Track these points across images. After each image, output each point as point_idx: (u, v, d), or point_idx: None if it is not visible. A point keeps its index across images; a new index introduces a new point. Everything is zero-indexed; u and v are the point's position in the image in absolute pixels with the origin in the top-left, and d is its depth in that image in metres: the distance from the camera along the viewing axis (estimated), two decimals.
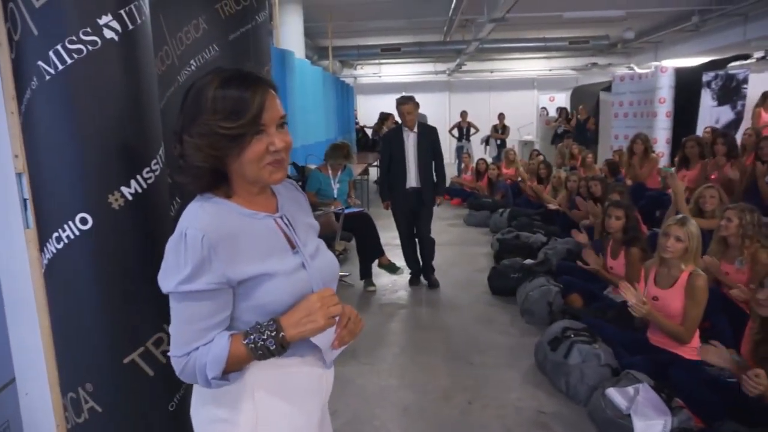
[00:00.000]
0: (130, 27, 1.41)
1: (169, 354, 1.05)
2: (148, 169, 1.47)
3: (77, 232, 1.38)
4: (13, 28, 1.34)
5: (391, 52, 12.23)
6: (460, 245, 6.10)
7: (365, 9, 9.47)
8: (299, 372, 1.13)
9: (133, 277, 1.43)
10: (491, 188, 8.03)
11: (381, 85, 15.77)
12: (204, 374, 1.00)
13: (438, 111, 14.13)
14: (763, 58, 11.40)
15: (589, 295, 3.67)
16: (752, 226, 3.05)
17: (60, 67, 1.33)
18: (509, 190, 7.63)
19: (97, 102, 1.37)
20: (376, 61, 14.84)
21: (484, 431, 2.58)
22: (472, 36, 10.13)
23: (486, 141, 11.72)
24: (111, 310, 1.42)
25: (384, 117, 10.73)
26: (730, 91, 8.15)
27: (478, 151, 11.55)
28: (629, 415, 2.34)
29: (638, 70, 12.67)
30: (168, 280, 1.01)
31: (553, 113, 12.71)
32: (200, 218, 1.02)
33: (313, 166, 5.29)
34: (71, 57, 1.32)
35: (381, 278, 4.79)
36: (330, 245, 4.03)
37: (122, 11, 1.39)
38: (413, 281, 4.73)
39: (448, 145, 12.31)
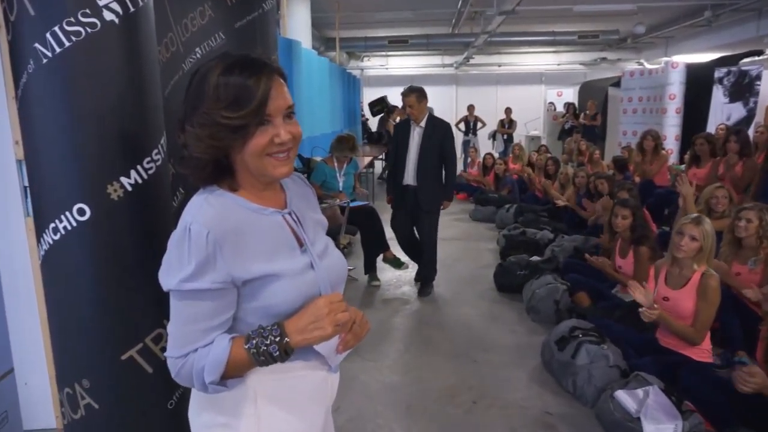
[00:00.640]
0: (132, 9, 1.35)
1: (165, 354, 1.00)
2: (149, 159, 1.42)
3: (74, 223, 1.33)
4: (9, 8, 1.29)
5: (399, 44, 12.12)
6: (465, 240, 6.04)
7: (373, 0, 9.38)
8: (303, 377, 1.07)
9: (133, 271, 1.38)
10: (497, 183, 7.96)
11: (388, 78, 15.65)
12: (201, 378, 0.95)
13: (445, 104, 14.04)
14: None
15: (597, 293, 3.61)
16: None
17: (57, 50, 1.27)
18: (516, 185, 7.55)
19: (96, 87, 1.31)
20: (384, 53, 14.73)
21: (489, 431, 2.53)
22: (480, 29, 10.01)
23: (493, 135, 11.63)
24: (109, 304, 1.37)
25: (390, 109, 10.64)
26: (743, 88, 8.02)
27: (485, 145, 11.46)
28: (638, 419, 2.29)
29: (648, 66, 12.52)
30: (170, 277, 0.95)
31: (560, 108, 12.60)
32: (205, 212, 0.96)
33: (318, 159, 5.24)
34: (69, 39, 1.27)
35: (385, 273, 4.73)
36: (335, 239, 3.98)
37: None
38: (424, 289, 4.38)
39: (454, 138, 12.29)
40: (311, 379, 1.09)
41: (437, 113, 10.72)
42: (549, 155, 7.37)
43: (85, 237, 1.34)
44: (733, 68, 8.11)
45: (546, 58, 15.30)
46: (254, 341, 0.94)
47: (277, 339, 0.94)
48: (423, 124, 4.12)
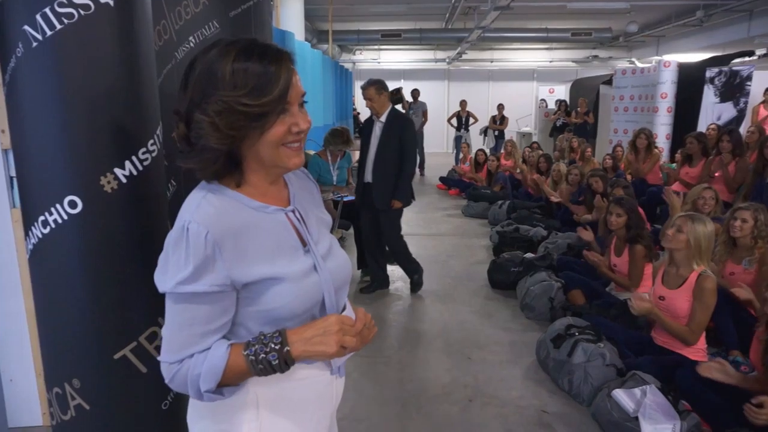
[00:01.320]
0: None
1: (159, 358, 0.94)
2: (144, 149, 1.36)
3: (65, 217, 1.27)
4: None
5: (392, 38, 12.05)
6: (458, 236, 6.02)
7: None
8: (306, 382, 1.02)
9: (127, 266, 1.32)
10: (490, 179, 7.94)
11: (380, 72, 15.54)
12: (197, 385, 0.89)
13: (437, 100, 13.99)
14: (766, 55, 11.35)
15: (592, 291, 3.60)
16: (765, 226, 2.99)
17: (48, 32, 1.20)
18: (508, 181, 7.54)
19: (88, 73, 1.24)
20: (376, 47, 14.64)
21: (485, 431, 2.51)
22: (474, 24, 9.97)
23: (484, 131, 11.62)
24: (101, 301, 1.31)
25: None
26: (733, 88, 8.07)
27: (477, 141, 11.45)
28: (636, 418, 2.28)
29: (639, 65, 12.57)
30: (166, 278, 0.89)
31: (552, 105, 12.61)
32: (204, 211, 0.90)
33: (311, 152, 5.17)
34: (61, 22, 1.20)
35: None
36: None
37: None
38: (367, 290, 4.22)
39: (446, 134, 12.24)
40: (315, 384, 1.04)
41: (429, 108, 10.73)
42: (541, 152, 7.36)
43: (77, 231, 1.27)
44: (725, 68, 8.15)
45: (538, 54, 15.31)
46: (254, 348, 0.89)
47: (278, 347, 0.89)
48: (384, 118, 3.90)
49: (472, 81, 15.63)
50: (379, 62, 15.55)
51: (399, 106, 10.38)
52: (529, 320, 3.69)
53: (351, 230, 4.64)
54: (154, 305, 1.32)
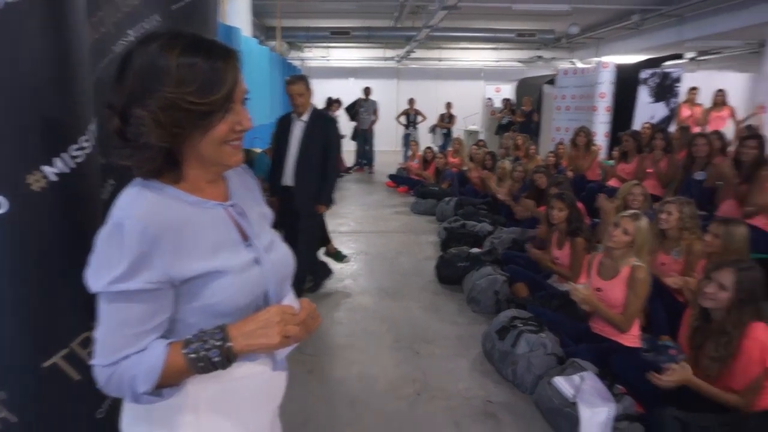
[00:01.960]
0: None
1: (91, 362, 0.91)
2: (76, 146, 1.30)
3: None
4: None
5: (341, 35, 12.00)
6: (407, 233, 6.09)
7: None
8: (247, 380, 1.02)
9: (57, 269, 1.26)
10: (438, 177, 8.07)
11: (330, 69, 15.49)
12: (133, 388, 0.87)
13: (387, 97, 14.03)
14: (694, 58, 12.01)
15: (535, 284, 3.73)
16: (690, 218, 3.18)
17: None
18: (456, 179, 7.68)
19: (13, 61, 1.17)
20: (325, 44, 14.54)
21: (432, 423, 2.56)
22: (423, 23, 10.07)
23: (433, 129, 11.77)
24: (29, 307, 1.24)
25: (330, 102, 10.55)
26: (665, 89, 8.52)
27: (426, 139, 11.59)
28: (575, 403, 2.38)
29: (580, 65, 13.05)
30: (98, 277, 0.87)
31: (498, 104, 12.91)
32: (139, 206, 0.89)
33: (258, 150, 5.10)
34: None
35: None
36: None
37: None
38: (314, 288, 4.16)
39: (396, 132, 12.31)
40: (256, 381, 1.04)
41: (381, 106, 10.78)
42: (487, 150, 7.53)
43: (3, 231, 1.21)
44: (657, 70, 8.60)
45: (486, 54, 15.62)
46: (193, 346, 0.88)
47: (219, 343, 0.88)
48: (306, 117, 3.64)
49: (421, 79, 15.79)
50: (328, 60, 15.46)
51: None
52: (476, 313, 3.78)
53: None
54: (87, 309, 1.27)
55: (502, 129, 11.15)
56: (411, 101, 11.33)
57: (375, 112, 10.64)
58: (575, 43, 13.64)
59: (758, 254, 3.42)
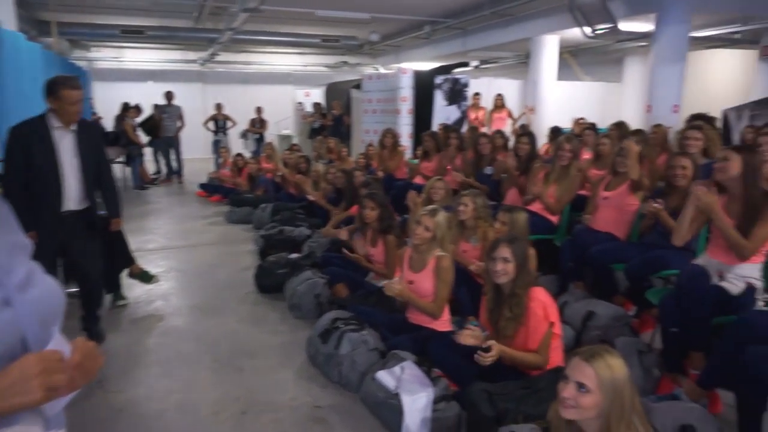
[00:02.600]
0: None
1: None
2: None
3: None
4: None
5: (133, 34, 10.95)
6: (222, 245, 5.79)
7: None
8: None
9: None
10: (252, 184, 7.84)
11: (123, 72, 14.09)
12: None
13: (192, 102, 13.21)
14: (478, 66, 13.56)
15: (354, 283, 3.81)
16: (483, 208, 3.54)
17: None
18: (270, 184, 7.54)
19: None
20: (117, 44, 13.16)
21: None
22: (224, 25, 9.69)
23: (244, 135, 11.43)
24: None
25: (126, 108, 9.57)
26: (456, 93, 9.47)
27: (237, 145, 11.19)
28: (398, 394, 2.48)
29: (383, 71, 13.84)
30: None
31: (309, 108, 13.05)
32: None
33: None
34: None
35: (134, 289, 4.22)
36: None
37: None
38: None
39: (204, 138, 11.67)
40: None
41: (185, 111, 10.09)
42: (301, 154, 7.54)
43: None
44: (449, 76, 9.50)
45: (293, 59, 15.67)
46: None
47: None
48: (75, 127, 3.01)
49: (228, 83, 15.24)
50: (121, 61, 14.04)
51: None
52: (298, 320, 3.73)
53: None
54: None
55: (314, 133, 11.29)
56: (219, 106, 10.84)
57: (180, 117, 9.94)
58: (377, 49, 14.42)
59: (537, 235, 3.96)
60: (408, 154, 8.75)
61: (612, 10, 7.64)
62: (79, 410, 2.51)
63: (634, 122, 7.32)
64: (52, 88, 2.86)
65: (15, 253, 0.89)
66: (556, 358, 2.41)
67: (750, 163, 2.61)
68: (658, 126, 5.29)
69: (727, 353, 2.21)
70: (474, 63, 13.33)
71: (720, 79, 11.14)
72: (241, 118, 11.39)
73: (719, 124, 7.44)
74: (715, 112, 7.22)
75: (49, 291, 0.91)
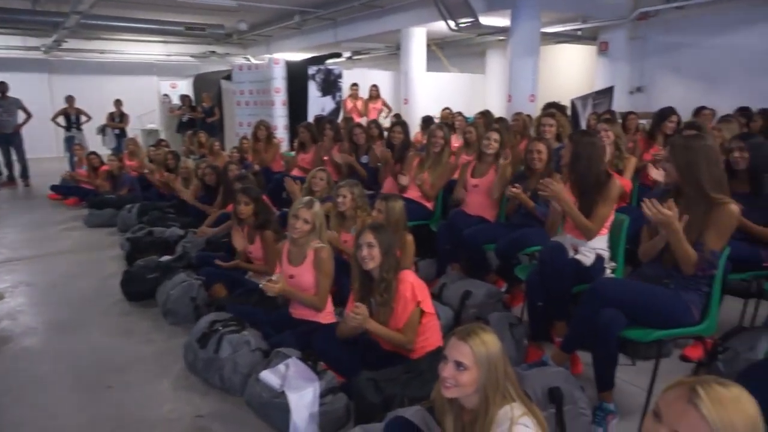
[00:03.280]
0: None
1: None
2: None
3: None
4: None
5: None
6: (82, 252, 5.25)
7: None
8: None
9: None
10: (114, 183, 7.19)
11: None
12: None
13: (36, 95, 11.78)
14: (350, 57, 13.64)
15: (233, 282, 3.65)
16: (360, 197, 3.57)
17: None
18: (136, 183, 6.98)
19: None
20: None
21: None
22: (69, 8, 8.72)
23: (102, 130, 10.42)
24: None
25: None
26: (330, 84, 9.45)
27: (95, 141, 10.16)
28: (283, 392, 2.41)
29: (254, 61, 13.40)
30: None
31: (177, 101, 12.25)
32: None
33: None
34: None
35: None
36: None
37: None
38: None
39: (54, 135, 10.48)
40: None
41: (28, 105, 8.94)
42: (168, 149, 7.05)
43: None
44: (322, 67, 9.44)
45: (155, 48, 14.59)
46: None
47: None
48: None
49: (80, 74, 13.82)
50: None
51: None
52: (174, 326, 3.49)
53: None
54: None
55: (184, 127, 10.61)
56: (70, 99, 9.76)
57: (24, 110, 8.80)
58: (247, 39, 13.93)
59: (414, 221, 4.09)
60: (285, 147, 8.58)
61: (473, 5, 8.08)
62: None
63: (498, 111, 7.84)
64: None
65: None
66: (434, 338, 2.50)
67: (577, 149, 2.88)
68: (518, 114, 5.70)
69: (583, 318, 2.44)
70: (347, 54, 13.40)
71: (569, 71, 12.30)
72: (97, 112, 10.35)
73: (569, 112, 8.22)
74: (566, 101, 7.98)
75: None
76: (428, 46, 11.07)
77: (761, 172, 3.02)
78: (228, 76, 10.40)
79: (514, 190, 3.41)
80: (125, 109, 10.55)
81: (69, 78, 13.49)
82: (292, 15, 10.75)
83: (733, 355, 2.52)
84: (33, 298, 4.06)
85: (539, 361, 2.62)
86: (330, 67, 9.61)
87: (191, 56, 15.07)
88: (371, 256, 2.42)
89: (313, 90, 9.27)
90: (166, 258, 4.24)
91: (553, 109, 5.28)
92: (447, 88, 11.84)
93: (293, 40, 13.09)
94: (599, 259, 2.92)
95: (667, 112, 4.62)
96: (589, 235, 2.86)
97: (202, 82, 12.31)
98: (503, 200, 3.89)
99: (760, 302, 3.13)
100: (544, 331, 2.97)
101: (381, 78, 11.00)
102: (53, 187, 7.88)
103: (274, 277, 2.81)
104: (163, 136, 11.29)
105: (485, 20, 8.59)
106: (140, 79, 14.52)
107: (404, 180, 4.34)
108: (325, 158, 5.72)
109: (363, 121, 7.82)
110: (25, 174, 9.08)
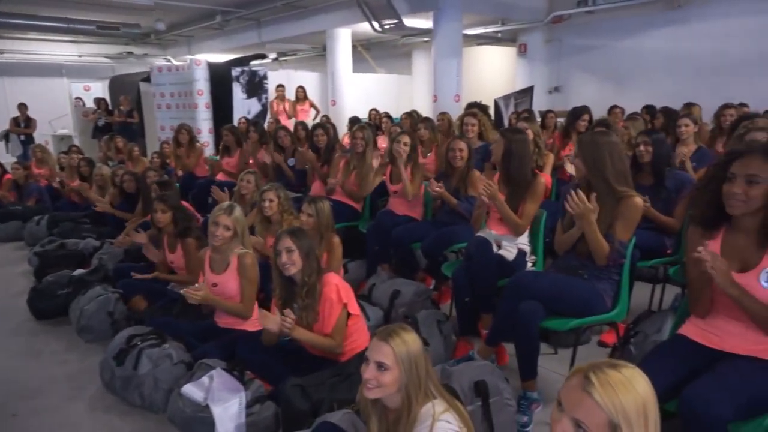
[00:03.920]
0: None
1: None
2: None
3: None
4: None
5: None
6: None
7: None
8: None
9: None
10: (20, 193, 6.67)
11: None
12: None
13: None
14: (276, 58, 13.42)
15: (154, 293, 3.48)
16: (286, 201, 3.50)
17: None
18: (45, 192, 6.51)
19: None
20: None
21: None
22: None
23: (5, 137, 9.65)
24: None
25: None
26: (255, 86, 9.24)
27: None
28: (208, 405, 2.32)
29: (174, 62, 12.88)
30: None
31: (91, 104, 11.56)
32: None
33: None
34: None
35: None
36: None
37: None
38: None
39: None
40: None
41: None
42: (81, 156, 6.62)
43: None
44: (246, 68, 9.22)
45: (65, 47, 13.70)
46: None
47: None
48: None
49: None
50: None
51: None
52: (90, 344, 3.28)
53: None
54: None
55: (100, 131, 10.02)
56: None
57: None
58: (166, 40, 13.39)
59: (342, 223, 4.08)
60: (210, 150, 8.31)
61: (396, 7, 8.16)
62: None
63: (425, 111, 7.96)
64: None
65: None
66: (362, 340, 2.48)
67: (509, 146, 2.98)
68: (443, 114, 5.81)
69: (505, 312, 2.51)
70: (272, 55, 13.18)
71: (491, 71, 12.72)
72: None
73: (492, 111, 8.49)
74: (489, 101, 8.23)
75: None
76: (354, 47, 11.08)
77: (663, 166, 3.24)
78: (147, 78, 9.94)
79: (437, 188, 3.46)
80: (32, 113, 9.83)
81: None
82: (213, 15, 10.43)
83: (643, 337, 2.68)
84: None
85: (466, 356, 2.67)
86: (255, 68, 9.40)
87: (106, 57, 14.29)
88: (292, 261, 2.37)
89: (237, 92, 9.03)
90: (80, 271, 3.97)
91: (475, 108, 5.42)
92: (374, 88, 11.90)
93: (216, 40, 12.71)
94: (521, 253, 3.03)
95: (579, 111, 4.88)
96: (517, 231, 2.96)
97: (119, 84, 11.67)
98: (427, 198, 3.94)
99: (666, 287, 3.36)
100: (472, 326, 3.04)
101: (308, 79, 10.89)
102: None
103: (197, 285, 2.70)
104: (77, 141, 10.61)
105: (409, 22, 8.71)
106: (49, 81, 13.59)
107: (332, 182, 4.31)
108: (251, 161, 5.58)
109: (291, 123, 7.71)
110: None
